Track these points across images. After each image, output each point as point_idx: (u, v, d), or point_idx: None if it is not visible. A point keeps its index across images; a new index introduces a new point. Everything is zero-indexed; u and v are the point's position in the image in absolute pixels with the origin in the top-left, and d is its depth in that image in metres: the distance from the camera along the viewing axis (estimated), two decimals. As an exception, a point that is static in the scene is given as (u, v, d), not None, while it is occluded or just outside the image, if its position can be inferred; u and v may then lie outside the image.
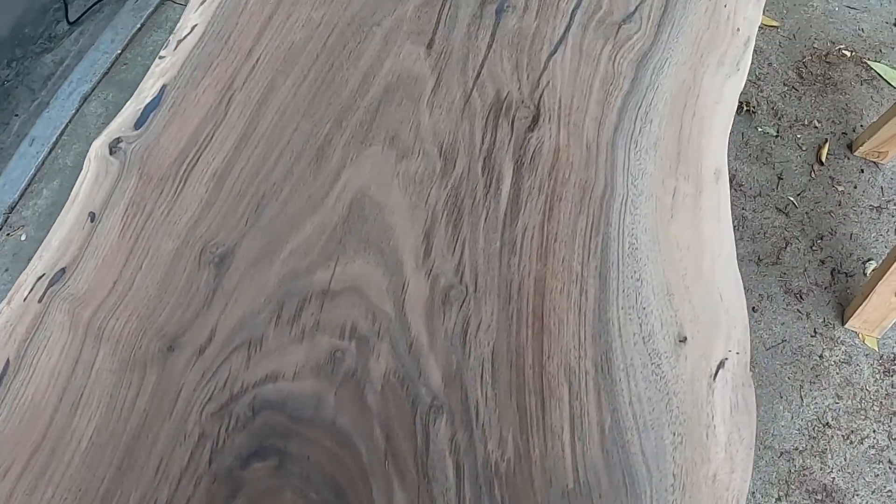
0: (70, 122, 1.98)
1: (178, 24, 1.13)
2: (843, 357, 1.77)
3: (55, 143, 1.96)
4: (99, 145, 1.02)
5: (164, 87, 1.06)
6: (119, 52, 2.04)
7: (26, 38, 2.09)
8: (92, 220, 0.96)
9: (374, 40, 1.06)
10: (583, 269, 0.91)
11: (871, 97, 2.10)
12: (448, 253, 0.92)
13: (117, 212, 0.96)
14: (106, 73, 2.02)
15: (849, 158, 2.00)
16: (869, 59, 2.16)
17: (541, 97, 1.00)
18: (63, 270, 0.93)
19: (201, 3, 1.14)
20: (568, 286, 0.90)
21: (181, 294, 0.90)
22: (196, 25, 1.11)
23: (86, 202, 0.98)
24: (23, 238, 1.89)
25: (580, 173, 0.96)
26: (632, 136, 0.98)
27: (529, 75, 1.02)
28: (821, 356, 1.77)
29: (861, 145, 1.98)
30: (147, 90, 1.07)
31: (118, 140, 1.02)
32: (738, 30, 1.07)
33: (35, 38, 2.09)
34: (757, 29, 1.07)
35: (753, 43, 1.06)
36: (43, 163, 1.95)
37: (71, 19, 2.09)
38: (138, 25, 2.07)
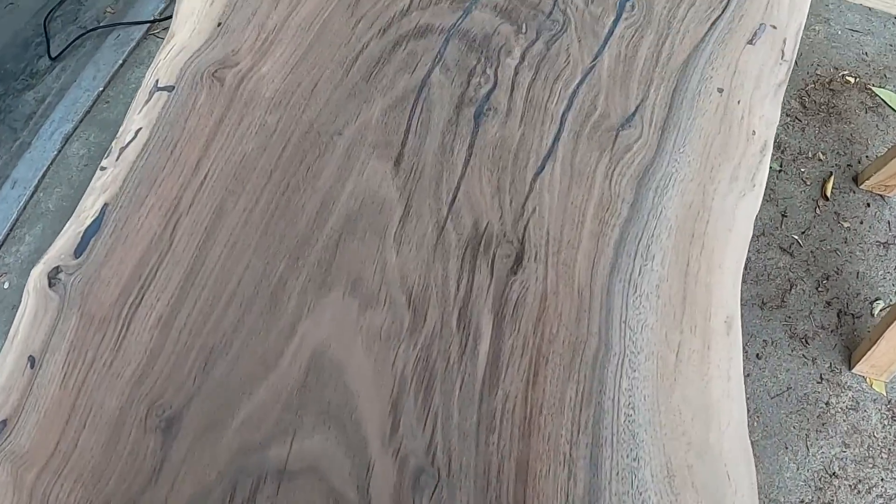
0: (52, 163, 1.77)
1: (122, 128, 0.92)
2: (850, 403, 1.58)
3: (37, 187, 1.76)
4: (38, 275, 0.83)
5: (105, 206, 0.86)
6: (101, 89, 1.82)
7: (8, 73, 1.87)
8: (32, 366, 0.78)
9: (334, 154, 0.86)
10: (572, 449, 0.72)
11: (877, 125, 1.86)
12: (418, 428, 0.73)
13: (58, 358, 0.78)
14: (88, 112, 1.81)
15: (854, 192, 1.78)
16: (873, 85, 1.91)
17: (525, 229, 0.80)
18: (4, 423, 0.76)
19: (146, 102, 0.93)
20: (554, 469, 0.71)
21: (127, 462, 0.73)
22: (140, 130, 0.90)
23: (25, 344, 0.80)
24: (6, 286, 1.70)
25: (570, 328, 0.76)
26: (630, 278, 0.78)
27: (513, 200, 0.82)
28: (827, 403, 1.58)
29: (867, 179, 1.75)
30: (88, 209, 0.87)
31: (57, 270, 0.83)
32: (754, 133, 0.86)
33: (17, 73, 1.88)
34: (775, 132, 0.86)
35: (771, 150, 0.84)
36: (25, 207, 1.75)
37: (53, 54, 1.86)
38: (120, 61, 1.84)
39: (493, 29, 0.93)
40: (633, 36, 0.92)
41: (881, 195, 1.77)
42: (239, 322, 0.79)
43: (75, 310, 0.81)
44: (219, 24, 0.97)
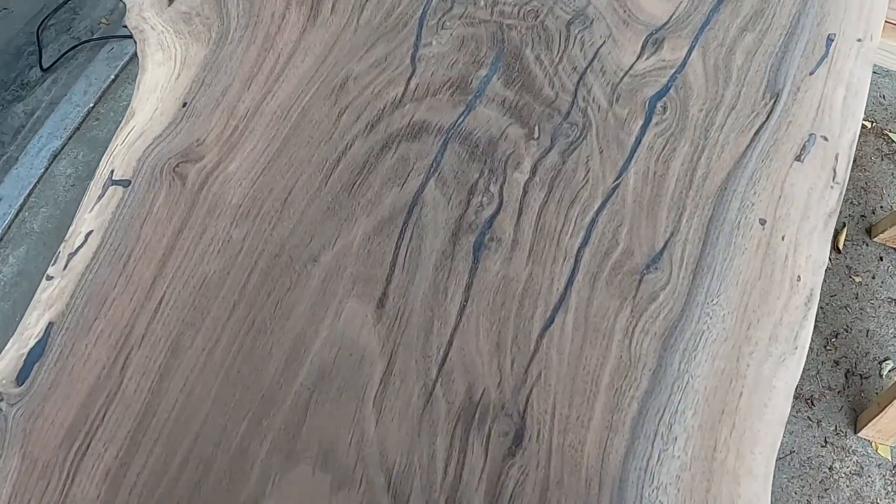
0: (38, 181, 1.59)
1: (72, 228, 0.74)
2: (854, 468, 1.43)
3: (22, 205, 1.58)
4: (-24, 402, 0.67)
5: (50, 325, 0.69)
6: (92, 105, 1.62)
7: (-3, 82, 1.67)
8: (-28, 513, 0.63)
9: (308, 287, 0.68)
10: None
11: (893, 174, 1.66)
12: None
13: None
14: (77, 129, 1.61)
15: (867, 245, 1.59)
16: (891, 131, 1.71)
17: (528, 399, 0.63)
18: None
19: (98, 198, 0.74)
20: None
21: None
22: (91, 233, 0.72)
23: (-38, 484, 0.64)
24: (-11, 309, 1.54)
25: (575, 529, 0.60)
26: (647, 466, 0.61)
27: (514, 361, 0.64)
28: (830, 468, 1.43)
29: (882, 232, 1.56)
30: (31, 327, 0.69)
31: None
32: (799, 279, 0.68)
33: (7, 83, 1.67)
34: (822, 278, 0.68)
35: (817, 303, 0.67)
36: (9, 226, 1.57)
37: (45, 65, 1.66)
38: (112, 76, 1.63)
39: (499, 131, 0.74)
40: (664, 147, 0.73)
41: (895, 248, 1.59)
42: (195, 489, 0.62)
43: (17, 448, 0.65)
44: (184, 105, 0.78)
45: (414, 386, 0.63)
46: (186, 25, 0.84)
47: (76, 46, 1.67)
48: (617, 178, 0.71)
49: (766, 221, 0.70)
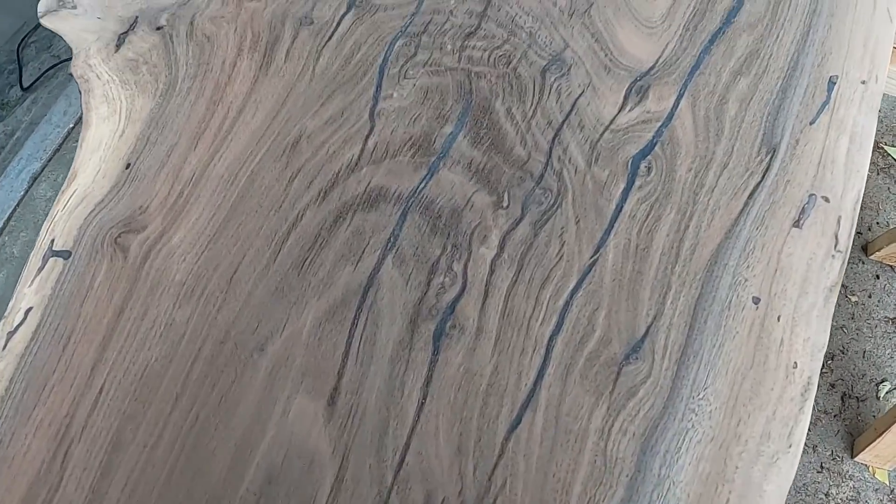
0: (18, 205, 1.51)
1: (11, 303, 0.66)
2: (850, 494, 1.35)
3: (2, 229, 1.50)
4: None
5: (-12, 414, 0.62)
6: (71, 125, 1.53)
7: (-24, 102, 1.58)
8: None
9: (254, 380, 0.59)
10: None
11: (889, 188, 1.56)
12: None
13: None
14: (57, 150, 1.53)
15: (863, 262, 1.50)
16: (886, 144, 1.60)
17: (492, 512, 0.55)
18: None
19: (39, 270, 0.66)
20: None
21: None
22: (31, 309, 0.64)
23: None
24: (-25, 337, 1.47)
25: None
26: (626, 591, 0.53)
27: (477, 467, 0.56)
28: (826, 494, 1.35)
29: (878, 249, 1.47)
30: (-32, 415, 0.62)
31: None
32: (795, 366, 0.59)
33: (-15, 102, 1.59)
34: (821, 363, 0.59)
35: (814, 393, 0.58)
36: (-9, 251, 1.50)
37: (25, 84, 1.57)
38: (90, 95, 1.55)
39: (464, 199, 0.65)
40: (647, 215, 0.64)
41: (891, 266, 1.49)
42: None
43: (-50, 546, 0.58)
44: (127, 166, 0.69)
45: (368, 493, 0.55)
46: (133, 74, 0.75)
47: (57, 65, 1.58)
48: (594, 254, 0.62)
49: (759, 300, 0.61)
